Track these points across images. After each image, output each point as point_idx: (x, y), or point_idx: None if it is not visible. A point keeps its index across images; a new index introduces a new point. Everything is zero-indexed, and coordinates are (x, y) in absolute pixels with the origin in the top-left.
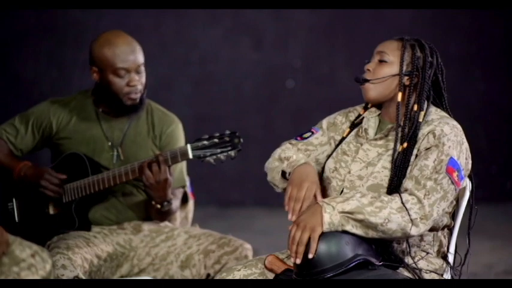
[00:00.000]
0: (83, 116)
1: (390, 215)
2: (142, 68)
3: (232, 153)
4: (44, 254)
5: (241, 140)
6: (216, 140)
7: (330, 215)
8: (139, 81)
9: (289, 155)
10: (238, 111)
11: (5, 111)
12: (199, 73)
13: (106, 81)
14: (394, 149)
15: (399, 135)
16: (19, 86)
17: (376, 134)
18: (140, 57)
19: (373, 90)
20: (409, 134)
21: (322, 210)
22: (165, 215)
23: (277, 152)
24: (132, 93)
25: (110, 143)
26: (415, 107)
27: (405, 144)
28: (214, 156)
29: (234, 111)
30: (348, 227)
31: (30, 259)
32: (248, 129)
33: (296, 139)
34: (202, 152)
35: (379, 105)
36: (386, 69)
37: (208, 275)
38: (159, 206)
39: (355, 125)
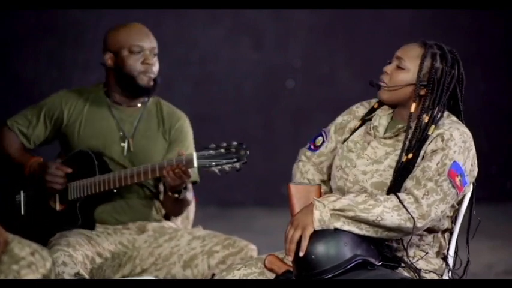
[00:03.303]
0: (95, 107)
1: (383, 213)
2: (156, 52)
3: (237, 164)
4: (44, 252)
5: (248, 152)
6: (222, 151)
7: (320, 212)
8: (154, 62)
9: (308, 176)
10: (238, 111)
11: (5, 111)
12: (199, 73)
13: (121, 62)
14: (400, 158)
15: (406, 145)
16: (19, 86)
17: (386, 132)
18: (155, 42)
19: (386, 94)
20: (415, 145)
21: (314, 208)
22: (182, 204)
23: (299, 168)
24: (147, 72)
25: (121, 134)
26: (426, 119)
27: (410, 155)
28: (219, 167)
29: (234, 111)
30: (339, 224)
31: (29, 257)
32: (248, 129)
33: (310, 148)
34: (208, 161)
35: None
36: (403, 76)
37: (214, 274)
38: (176, 195)
39: (365, 120)
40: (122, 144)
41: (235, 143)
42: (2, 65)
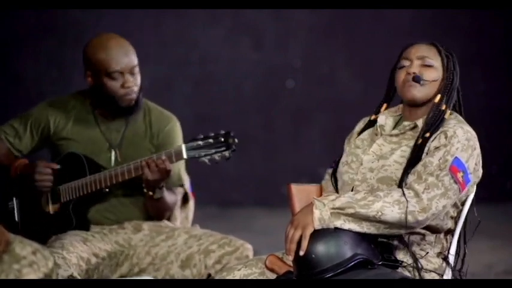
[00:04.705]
0: (81, 117)
1: (384, 208)
2: (137, 69)
3: (226, 153)
4: (46, 252)
5: (236, 140)
6: (210, 141)
7: (320, 211)
8: (134, 82)
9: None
10: (238, 111)
11: (5, 111)
12: (199, 73)
13: (101, 85)
14: (416, 142)
15: (425, 128)
16: (19, 86)
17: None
18: (134, 59)
19: (421, 92)
20: (433, 126)
21: (314, 207)
22: (160, 205)
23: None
24: (127, 94)
25: (108, 144)
26: (444, 106)
27: (427, 134)
28: (209, 157)
29: (234, 111)
30: (340, 222)
31: (31, 256)
32: (248, 129)
33: (331, 166)
34: (197, 152)
35: (395, 106)
36: (434, 73)
37: (209, 274)
38: (151, 193)
39: (371, 122)
40: (109, 155)
41: (222, 132)
42: (2, 65)
